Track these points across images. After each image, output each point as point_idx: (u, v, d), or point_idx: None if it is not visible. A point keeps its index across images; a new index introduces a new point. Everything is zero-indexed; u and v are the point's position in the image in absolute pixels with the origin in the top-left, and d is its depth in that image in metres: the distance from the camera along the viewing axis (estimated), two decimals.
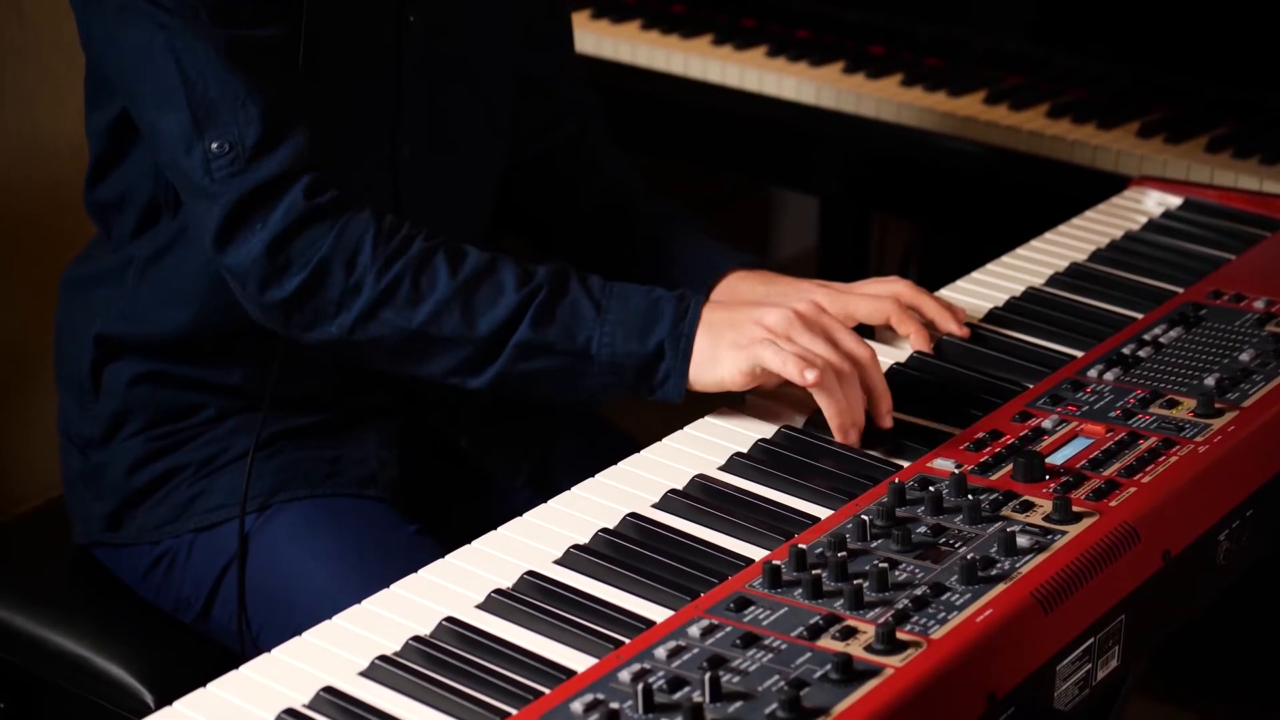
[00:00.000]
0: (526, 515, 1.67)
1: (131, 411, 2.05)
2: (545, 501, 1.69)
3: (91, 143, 2.04)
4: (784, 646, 1.42)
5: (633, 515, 1.65)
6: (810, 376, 1.71)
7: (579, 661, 1.44)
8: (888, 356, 1.93)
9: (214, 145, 1.83)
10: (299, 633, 1.50)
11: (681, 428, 1.81)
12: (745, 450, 1.76)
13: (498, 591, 1.53)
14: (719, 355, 1.79)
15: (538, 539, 1.63)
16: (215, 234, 1.84)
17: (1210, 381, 1.82)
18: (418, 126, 2.03)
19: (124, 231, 2.04)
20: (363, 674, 1.44)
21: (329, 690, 1.41)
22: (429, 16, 2.00)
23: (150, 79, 1.85)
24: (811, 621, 1.44)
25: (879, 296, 1.92)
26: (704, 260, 2.06)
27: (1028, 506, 1.60)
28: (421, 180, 2.04)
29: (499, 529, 1.65)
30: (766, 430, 1.80)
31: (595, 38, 3.13)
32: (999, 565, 1.52)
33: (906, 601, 1.46)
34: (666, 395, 1.82)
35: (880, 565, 1.49)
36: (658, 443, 1.78)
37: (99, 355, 2.06)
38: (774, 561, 1.51)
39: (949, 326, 1.95)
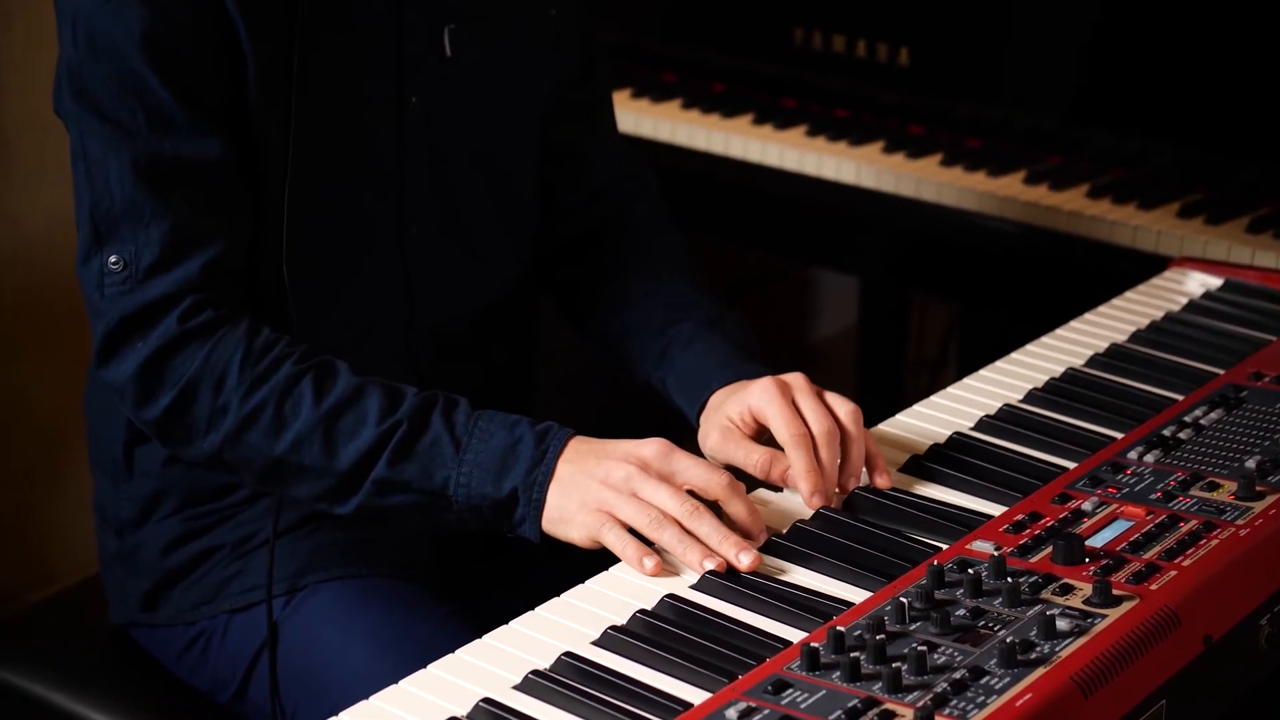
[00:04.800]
0: (564, 595, 1.66)
1: (166, 492, 2.05)
2: (582, 582, 1.68)
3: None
4: None
5: (670, 597, 1.64)
6: (649, 565, 1.70)
7: None
8: (927, 437, 1.92)
9: (111, 260, 1.86)
10: (334, 714, 1.49)
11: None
12: (783, 532, 1.75)
13: (535, 673, 1.53)
14: (567, 514, 1.78)
15: (575, 620, 1.62)
16: (98, 349, 1.88)
17: (1251, 464, 1.81)
18: (424, 206, 2.03)
19: None
20: None
21: None
22: (432, 98, 2.00)
23: (75, 183, 1.89)
24: (850, 705, 1.43)
25: (796, 419, 1.83)
26: (696, 383, 2.02)
27: (1068, 589, 1.59)
28: (430, 259, 2.05)
29: (536, 609, 1.64)
30: (804, 511, 1.79)
31: (635, 117, 3.14)
32: (1038, 649, 1.50)
33: (945, 685, 1.45)
34: (526, 535, 1.82)
35: (919, 648, 1.48)
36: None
37: (131, 436, 2.06)
38: (812, 644, 1.50)
39: (846, 477, 1.83)
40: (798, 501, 1.80)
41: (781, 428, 1.83)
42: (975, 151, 2.93)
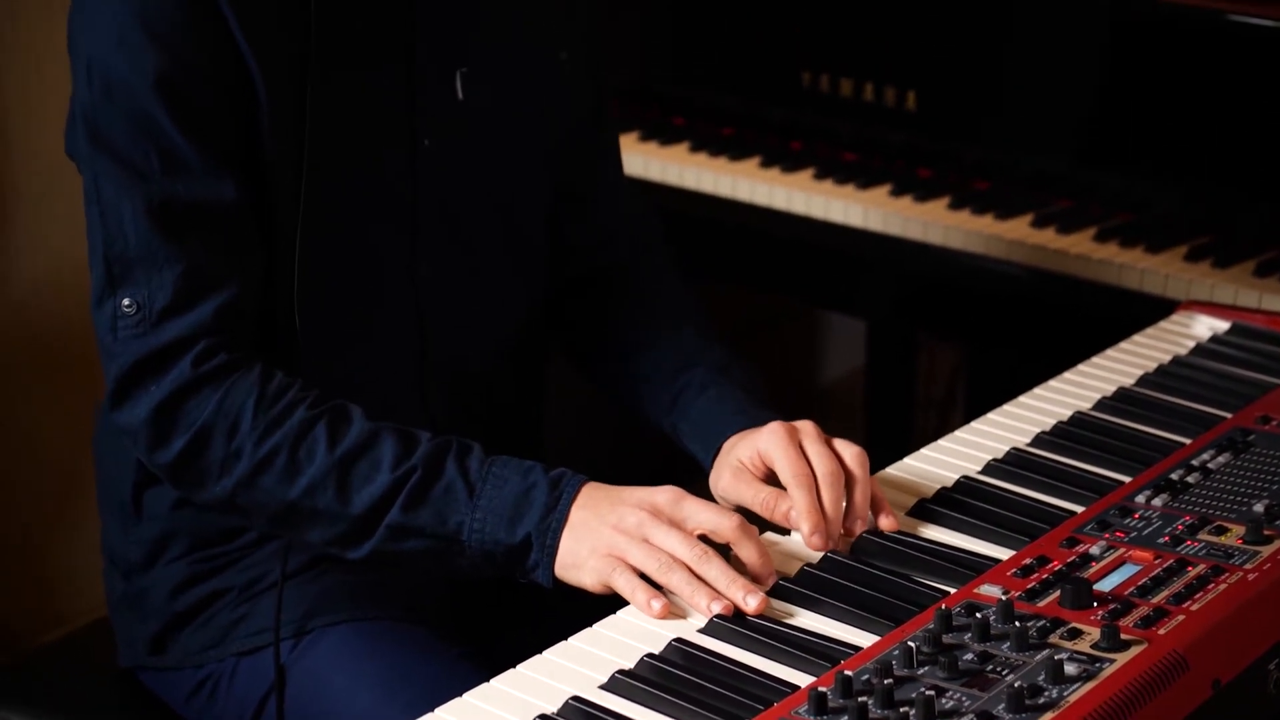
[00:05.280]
0: (571, 639, 1.66)
1: (174, 535, 2.05)
2: (590, 625, 1.68)
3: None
4: None
5: (678, 641, 1.64)
6: (656, 608, 1.71)
7: None
8: (934, 481, 1.92)
9: (124, 303, 1.86)
10: None
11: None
12: (791, 575, 1.75)
13: (542, 717, 1.53)
14: (580, 560, 1.79)
15: (583, 663, 1.62)
16: (111, 392, 1.88)
17: (1259, 508, 1.81)
18: (436, 247, 2.04)
19: None
20: None
21: None
22: (444, 141, 2.01)
23: (88, 226, 1.89)
24: None
25: (800, 460, 1.84)
26: (710, 429, 2.02)
27: (1075, 634, 1.59)
28: (443, 299, 2.05)
29: (544, 653, 1.64)
30: (812, 555, 1.79)
31: (644, 159, 3.15)
32: (1046, 694, 1.50)
33: None
34: (539, 581, 1.83)
35: (927, 693, 1.48)
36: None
37: (140, 479, 2.06)
38: (820, 688, 1.50)
39: (852, 520, 1.84)
40: (805, 545, 1.80)
41: (785, 468, 1.84)
42: (983, 194, 2.93)
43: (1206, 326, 2.35)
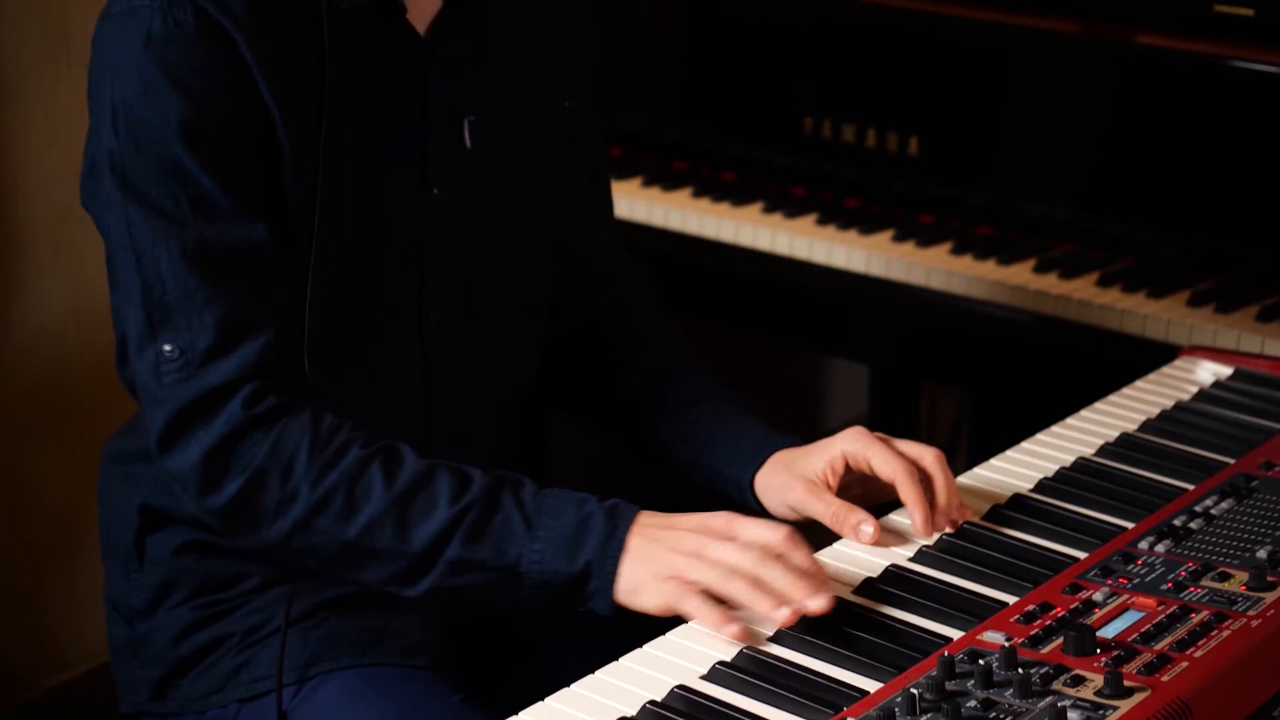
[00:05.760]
0: (574, 686, 1.66)
1: (176, 581, 2.05)
2: (592, 672, 1.68)
3: (114, 321, 2.05)
4: None
5: (680, 688, 1.64)
6: (732, 631, 1.71)
7: None
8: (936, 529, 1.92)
9: (166, 348, 1.86)
10: None
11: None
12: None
13: None
14: (640, 585, 1.80)
15: (584, 710, 1.61)
16: (158, 438, 1.87)
17: (1262, 554, 1.81)
18: (444, 295, 2.04)
19: None
20: None
21: None
22: (453, 188, 2.02)
23: (119, 271, 1.90)
24: None
25: (899, 455, 1.92)
26: (744, 449, 2.06)
27: (1079, 681, 1.59)
28: (449, 348, 2.06)
29: (546, 700, 1.64)
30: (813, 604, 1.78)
31: (646, 205, 3.15)
32: None
33: None
34: (597, 609, 1.84)
35: None
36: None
37: (143, 525, 2.06)
38: None
39: (939, 515, 1.91)
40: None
41: (884, 464, 1.90)
42: (985, 240, 2.94)
43: (1209, 372, 2.35)
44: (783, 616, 1.71)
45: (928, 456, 1.92)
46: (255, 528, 1.87)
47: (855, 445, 1.92)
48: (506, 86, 2.07)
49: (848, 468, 1.96)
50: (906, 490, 1.88)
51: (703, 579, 1.76)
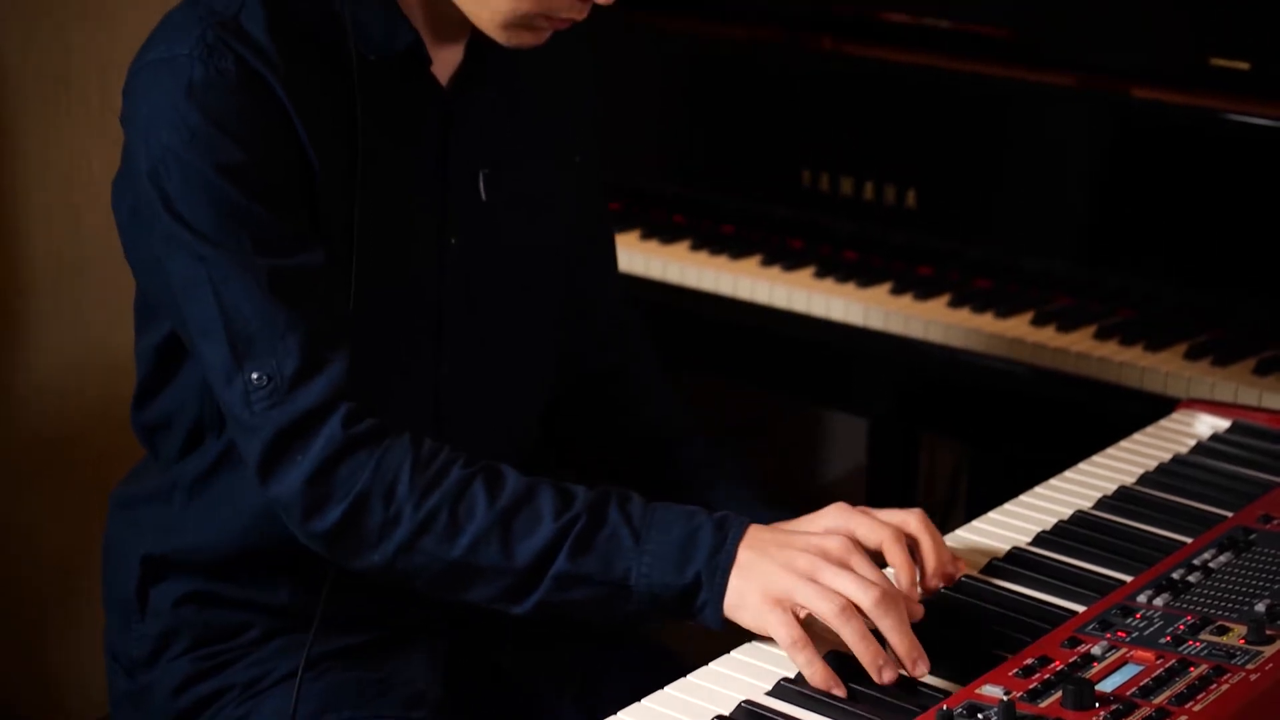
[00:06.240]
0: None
1: (178, 632, 2.05)
2: (593, 715, 1.68)
3: (139, 364, 2.06)
4: None
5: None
6: (819, 678, 1.70)
7: None
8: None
9: (253, 376, 1.85)
10: None
11: (729, 650, 1.80)
12: (791, 676, 1.75)
13: None
14: (745, 601, 1.79)
15: None
16: (257, 466, 1.86)
17: (1261, 608, 1.81)
18: (459, 347, 2.05)
19: (170, 453, 2.06)
20: None
21: None
22: (470, 240, 2.02)
23: (193, 309, 1.88)
24: None
25: (883, 523, 1.88)
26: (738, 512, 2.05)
27: None
28: (462, 400, 2.06)
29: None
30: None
31: (645, 258, 3.16)
32: None
33: None
34: (706, 622, 1.82)
35: None
36: (704, 667, 1.77)
37: (146, 575, 2.06)
38: None
39: (931, 577, 1.88)
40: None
41: (869, 534, 1.85)
42: (983, 292, 2.95)
43: (1207, 425, 2.36)
44: (890, 678, 1.69)
45: (911, 521, 1.88)
46: (359, 552, 1.86)
47: (838, 521, 1.88)
48: (522, 140, 2.08)
49: None
50: (893, 555, 1.84)
51: (815, 606, 1.74)
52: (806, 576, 1.76)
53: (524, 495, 1.85)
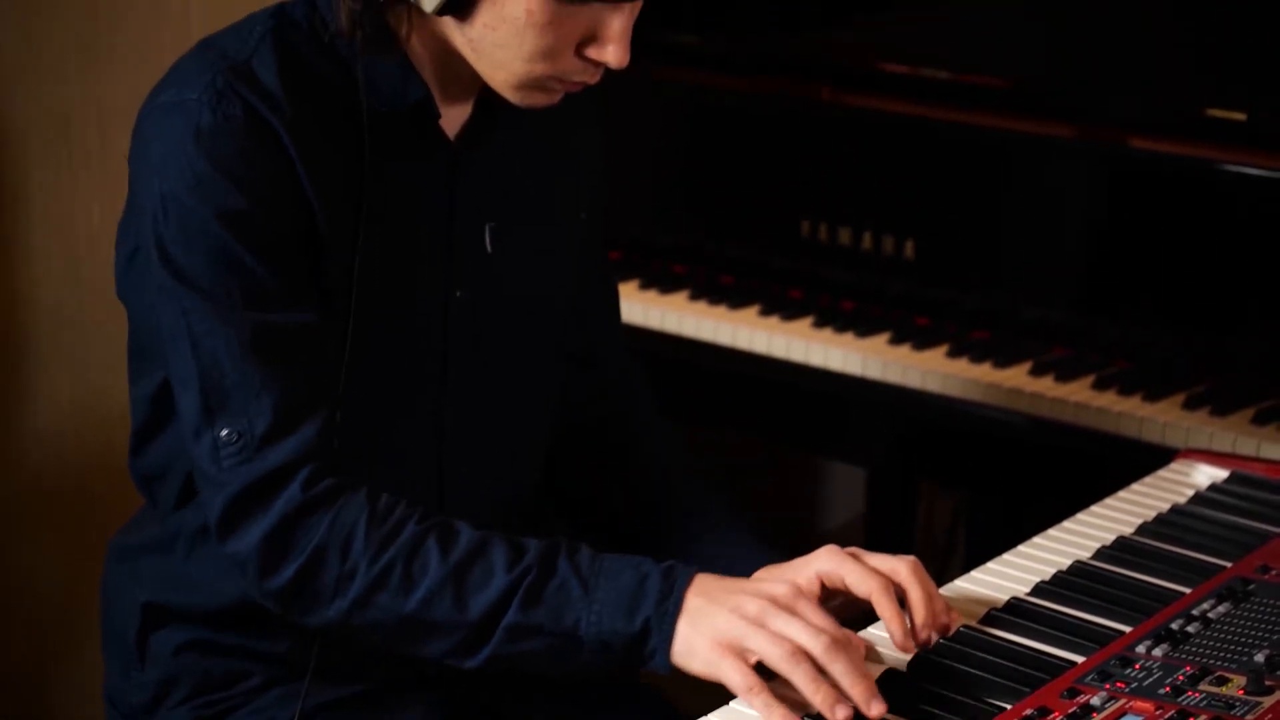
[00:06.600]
0: None
1: (177, 680, 2.05)
2: None
3: (134, 412, 2.06)
4: None
5: None
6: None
7: None
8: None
9: (224, 433, 1.86)
10: None
11: (727, 701, 1.80)
12: None
13: None
14: (695, 648, 1.79)
15: None
16: (217, 521, 1.87)
17: (1260, 658, 1.81)
18: (462, 397, 2.05)
19: (168, 502, 2.06)
20: None
21: None
22: (475, 293, 2.03)
23: (175, 358, 1.89)
24: None
25: (873, 571, 1.87)
26: (725, 560, 2.05)
27: None
28: (464, 449, 2.06)
29: None
30: (806, 705, 1.78)
31: (643, 308, 3.17)
32: None
33: None
34: (655, 669, 1.82)
35: None
36: (702, 718, 1.77)
37: (146, 623, 2.06)
38: None
39: (923, 628, 1.86)
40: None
41: (858, 581, 1.84)
42: (981, 343, 2.95)
43: (1205, 475, 2.36)
44: (843, 717, 1.69)
45: (902, 570, 1.87)
46: (314, 608, 1.86)
47: (829, 564, 1.88)
48: (529, 194, 2.08)
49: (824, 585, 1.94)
50: (881, 607, 1.83)
51: (764, 651, 1.74)
52: (755, 623, 1.76)
53: (477, 548, 1.86)
